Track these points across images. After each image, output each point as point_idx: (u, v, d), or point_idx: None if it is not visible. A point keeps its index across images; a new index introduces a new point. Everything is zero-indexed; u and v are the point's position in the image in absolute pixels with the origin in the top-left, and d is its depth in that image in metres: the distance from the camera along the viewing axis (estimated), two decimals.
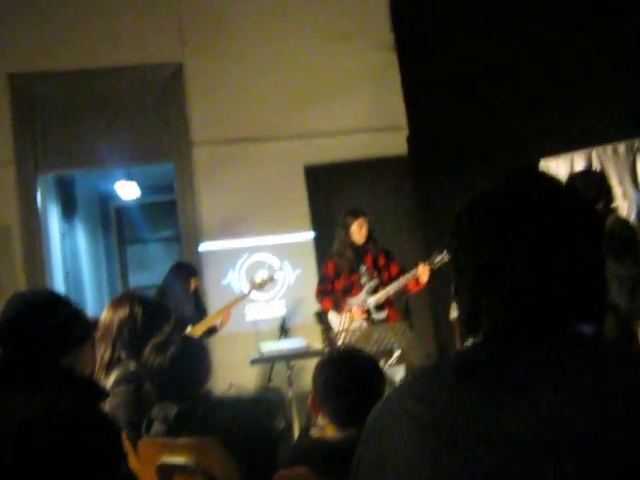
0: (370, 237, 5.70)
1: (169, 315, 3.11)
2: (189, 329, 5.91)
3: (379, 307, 5.63)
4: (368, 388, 2.34)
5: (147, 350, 2.64)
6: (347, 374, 2.37)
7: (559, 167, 6.68)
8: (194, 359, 2.65)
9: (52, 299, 1.99)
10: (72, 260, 8.89)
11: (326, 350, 5.72)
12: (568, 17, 6.51)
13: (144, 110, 7.22)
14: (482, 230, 1.08)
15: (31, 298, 1.99)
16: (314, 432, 2.42)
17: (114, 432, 1.69)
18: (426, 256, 5.79)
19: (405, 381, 1.25)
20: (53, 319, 1.88)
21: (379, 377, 2.45)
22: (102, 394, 1.92)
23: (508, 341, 1.02)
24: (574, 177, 5.05)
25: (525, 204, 1.07)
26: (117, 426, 1.75)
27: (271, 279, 6.37)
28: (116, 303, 2.98)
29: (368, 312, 5.54)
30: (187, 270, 6.36)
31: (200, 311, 6.37)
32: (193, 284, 6.31)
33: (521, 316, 1.02)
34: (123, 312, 2.92)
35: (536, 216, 1.05)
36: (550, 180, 1.13)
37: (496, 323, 1.04)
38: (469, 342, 1.11)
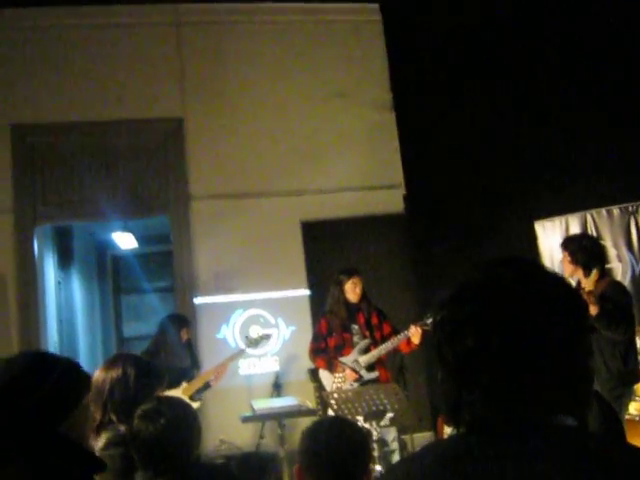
0: (364, 296, 5.73)
1: (162, 377, 3.09)
2: (184, 384, 5.88)
3: (370, 367, 5.62)
4: (352, 460, 2.34)
5: (136, 419, 2.61)
6: (330, 446, 2.37)
7: (554, 229, 6.74)
8: (184, 428, 2.61)
9: (36, 365, 1.86)
10: (67, 308, 8.87)
11: (318, 410, 5.69)
12: (566, 77, 6.63)
13: (143, 163, 7.29)
14: (462, 323, 1.08)
15: (12, 367, 1.84)
16: None
17: None
18: (419, 315, 5.80)
19: (395, 464, 1.27)
20: (40, 389, 1.79)
21: (363, 448, 2.44)
22: (100, 467, 1.86)
23: (488, 434, 1.03)
24: (569, 240, 5.10)
25: (504, 296, 1.07)
26: None
27: (266, 336, 6.37)
28: (109, 364, 2.96)
29: (360, 376, 5.54)
30: (179, 321, 6.33)
31: (194, 362, 6.34)
32: (185, 335, 6.27)
33: (501, 409, 1.03)
34: (115, 373, 2.90)
35: (516, 308, 1.05)
36: (530, 269, 1.13)
37: (476, 415, 1.05)
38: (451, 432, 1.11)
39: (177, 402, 2.72)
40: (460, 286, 1.13)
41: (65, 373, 1.89)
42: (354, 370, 5.53)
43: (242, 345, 6.54)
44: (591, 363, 1.09)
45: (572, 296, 1.11)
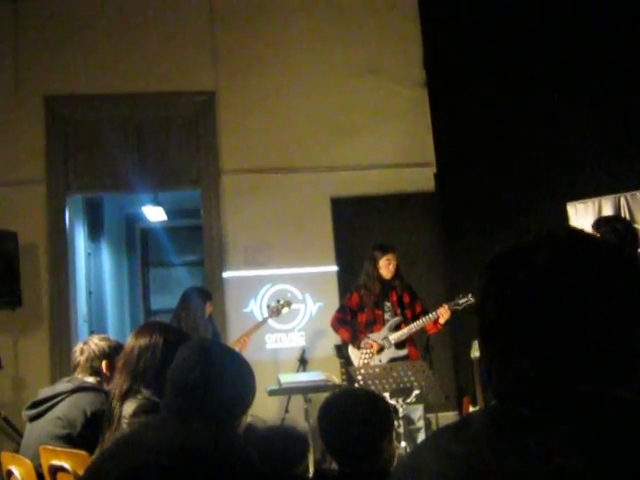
0: (397, 273, 5.71)
1: None
2: None
3: (400, 344, 5.63)
4: (365, 429, 2.34)
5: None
6: (339, 418, 2.37)
7: (587, 211, 6.64)
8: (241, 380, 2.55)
9: None
10: (96, 280, 8.96)
11: (344, 385, 5.71)
12: (600, 61, 6.51)
13: (174, 136, 7.30)
14: (520, 290, 1.04)
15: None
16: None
17: None
18: (449, 294, 5.78)
19: (432, 436, 1.24)
20: None
21: (379, 417, 2.43)
22: None
23: (538, 403, 1.00)
24: (601, 221, 5.02)
25: (563, 260, 1.04)
26: None
27: (288, 304, 6.30)
28: (139, 332, 2.97)
29: (382, 348, 5.56)
30: (202, 294, 6.32)
31: (215, 336, 6.32)
32: (209, 308, 6.27)
33: (553, 379, 1.00)
34: (144, 341, 2.90)
35: (576, 273, 1.02)
36: (586, 237, 1.11)
37: (527, 384, 1.02)
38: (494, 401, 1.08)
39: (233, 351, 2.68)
40: (512, 252, 1.10)
41: None
42: (377, 342, 5.56)
43: (266, 315, 6.50)
44: None
45: (633, 266, 1.07)
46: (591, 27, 6.56)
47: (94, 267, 8.95)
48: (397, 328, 5.64)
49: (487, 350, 1.11)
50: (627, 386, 1.01)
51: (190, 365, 2.08)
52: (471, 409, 5.99)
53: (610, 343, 1.00)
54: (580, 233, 1.12)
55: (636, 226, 6.17)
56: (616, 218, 5.65)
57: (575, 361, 1.00)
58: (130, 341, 2.95)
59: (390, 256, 5.69)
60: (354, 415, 2.39)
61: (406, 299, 5.72)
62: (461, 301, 5.52)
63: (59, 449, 3.05)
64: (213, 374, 2.05)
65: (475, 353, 5.64)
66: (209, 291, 6.56)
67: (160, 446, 1.64)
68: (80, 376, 3.42)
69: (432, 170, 7.19)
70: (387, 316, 5.69)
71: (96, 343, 3.47)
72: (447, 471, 0.98)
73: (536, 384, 1.01)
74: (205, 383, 2.02)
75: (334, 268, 7.15)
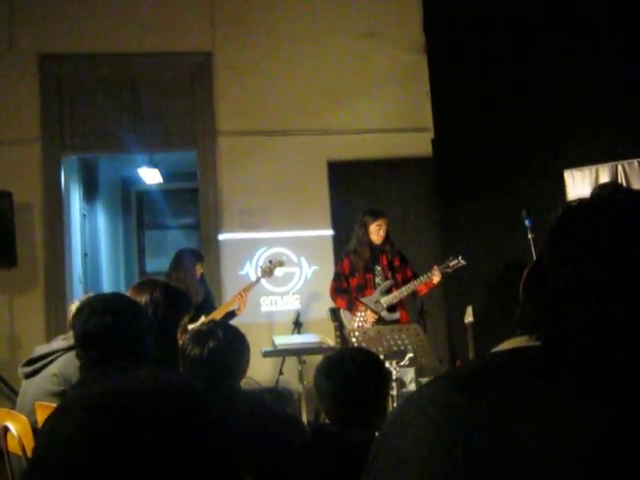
0: (387, 238, 5.74)
1: (189, 303, 3.11)
2: (203, 318, 5.90)
3: (391, 308, 5.67)
4: (362, 389, 2.35)
5: (187, 337, 2.63)
6: (338, 377, 2.38)
7: (584, 179, 6.63)
8: (232, 354, 2.60)
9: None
10: (91, 241, 8.96)
11: (338, 347, 5.74)
12: (598, 29, 6.46)
13: (171, 97, 7.24)
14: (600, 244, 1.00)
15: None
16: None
17: None
18: (442, 258, 5.81)
19: (429, 384, 1.18)
20: None
21: (374, 377, 2.44)
22: None
23: (574, 354, 0.95)
24: (601, 187, 5.02)
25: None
26: None
27: (280, 264, 6.27)
28: (137, 288, 2.97)
29: (379, 318, 5.58)
30: (194, 255, 6.27)
31: (208, 297, 6.30)
32: (199, 270, 6.24)
33: (613, 340, 0.95)
34: (144, 298, 2.91)
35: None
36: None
37: (569, 334, 0.97)
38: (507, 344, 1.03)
39: (231, 328, 2.72)
40: (590, 203, 1.07)
41: None
42: (374, 311, 5.57)
43: (259, 275, 6.47)
44: None
45: None
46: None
47: (89, 228, 8.94)
48: (388, 292, 5.68)
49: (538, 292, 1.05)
50: None
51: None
52: None
53: None
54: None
55: None
56: (615, 183, 5.66)
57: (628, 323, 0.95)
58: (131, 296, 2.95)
59: (381, 221, 5.71)
60: (350, 375, 2.40)
61: (396, 263, 5.76)
62: (452, 263, 5.58)
63: (55, 405, 3.06)
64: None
65: (469, 318, 5.67)
66: (201, 252, 6.55)
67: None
68: None
69: (430, 135, 7.15)
70: (378, 280, 5.73)
71: None
72: (440, 421, 0.93)
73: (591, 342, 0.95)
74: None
75: (330, 232, 7.15)
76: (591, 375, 0.92)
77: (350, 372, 2.38)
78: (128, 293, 2.99)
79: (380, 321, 5.58)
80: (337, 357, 2.50)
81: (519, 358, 0.99)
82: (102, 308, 2.33)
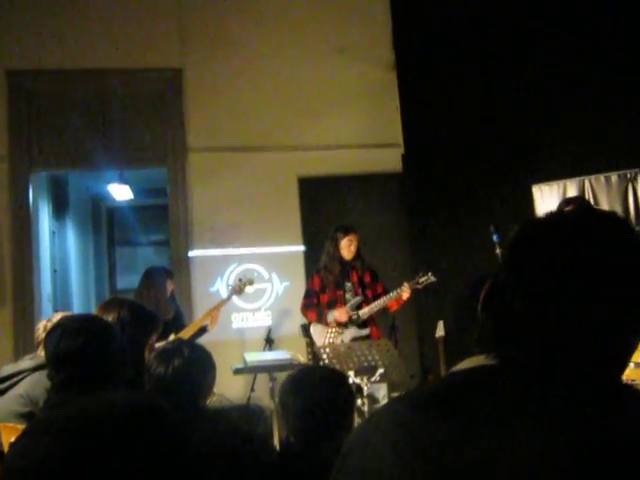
0: (358, 254, 5.76)
1: (157, 322, 3.09)
2: (172, 335, 5.85)
3: (362, 324, 5.68)
4: (327, 406, 2.34)
5: (152, 355, 2.62)
6: (302, 395, 2.37)
7: (552, 193, 6.72)
8: (197, 373, 2.59)
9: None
10: (61, 259, 8.86)
11: (309, 363, 5.74)
12: (565, 45, 6.56)
13: (141, 113, 7.22)
14: (548, 259, 1.01)
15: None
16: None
17: None
18: (412, 274, 5.83)
19: (389, 404, 1.18)
20: None
21: (339, 394, 2.43)
22: None
23: (529, 372, 0.97)
24: (566, 201, 5.08)
25: (594, 238, 1.01)
26: None
27: (250, 282, 6.27)
28: (104, 308, 2.95)
29: (351, 318, 5.59)
30: (164, 273, 6.23)
31: (177, 314, 6.26)
32: (170, 286, 6.21)
33: (558, 355, 0.97)
34: (111, 317, 2.89)
35: (597, 252, 1.00)
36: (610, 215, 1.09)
37: (531, 354, 0.98)
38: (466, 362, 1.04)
39: (197, 347, 2.70)
40: (546, 222, 1.07)
41: None
42: (345, 311, 5.60)
43: (228, 293, 6.45)
44: None
45: None
46: (561, 9, 6.60)
47: (59, 246, 8.84)
48: (358, 308, 5.70)
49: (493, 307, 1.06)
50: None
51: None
52: None
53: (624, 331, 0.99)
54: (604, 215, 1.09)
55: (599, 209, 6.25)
56: (581, 198, 5.73)
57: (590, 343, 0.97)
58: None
59: (352, 237, 5.74)
60: (315, 393, 2.39)
61: (367, 279, 5.78)
62: (421, 279, 5.61)
63: (20, 427, 3.02)
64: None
65: (440, 333, 5.70)
66: (171, 270, 6.52)
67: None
68: (43, 354, 3.39)
69: (400, 151, 7.20)
70: (348, 296, 5.75)
71: None
72: (399, 441, 0.94)
73: (540, 356, 0.97)
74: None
75: (301, 248, 7.15)
76: (543, 395, 0.93)
77: (315, 390, 2.38)
78: (96, 311, 2.97)
79: (351, 322, 5.60)
80: (302, 375, 2.50)
81: (476, 378, 1.00)
82: (75, 329, 2.31)
